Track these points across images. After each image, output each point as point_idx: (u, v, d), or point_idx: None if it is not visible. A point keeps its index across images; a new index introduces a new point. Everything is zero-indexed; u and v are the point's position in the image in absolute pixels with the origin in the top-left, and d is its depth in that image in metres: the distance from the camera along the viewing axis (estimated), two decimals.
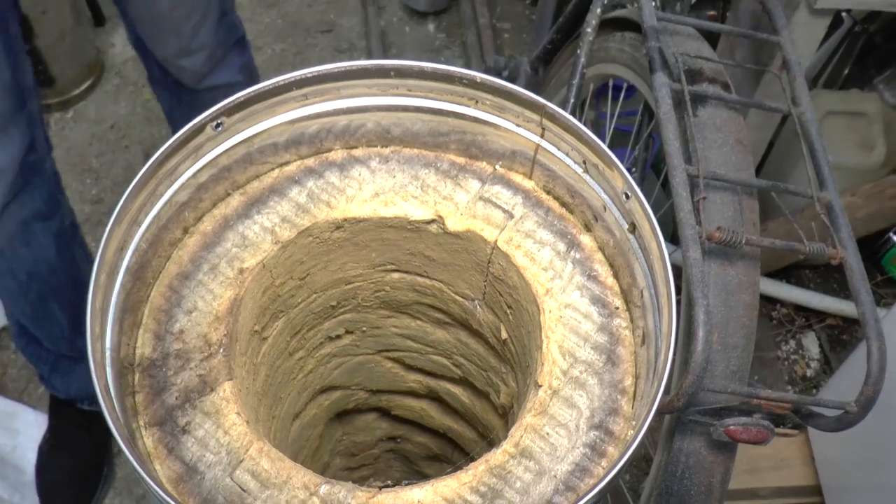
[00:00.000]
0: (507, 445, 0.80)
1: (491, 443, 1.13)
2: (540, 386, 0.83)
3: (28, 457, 2.07)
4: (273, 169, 0.97)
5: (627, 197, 0.85)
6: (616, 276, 0.91)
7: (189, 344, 0.85)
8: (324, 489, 0.77)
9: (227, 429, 0.80)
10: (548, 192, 0.96)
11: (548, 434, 0.81)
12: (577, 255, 0.92)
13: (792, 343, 2.32)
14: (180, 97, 1.89)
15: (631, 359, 0.86)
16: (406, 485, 0.78)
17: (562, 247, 0.93)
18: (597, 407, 0.83)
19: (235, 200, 0.95)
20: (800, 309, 2.35)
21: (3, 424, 2.11)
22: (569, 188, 0.94)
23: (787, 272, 2.39)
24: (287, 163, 0.98)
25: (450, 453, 1.34)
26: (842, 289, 2.36)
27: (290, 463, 0.78)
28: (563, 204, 0.96)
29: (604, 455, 0.81)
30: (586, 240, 0.93)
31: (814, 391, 2.22)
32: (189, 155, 0.89)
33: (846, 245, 1.05)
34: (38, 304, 1.77)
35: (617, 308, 0.89)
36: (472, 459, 0.81)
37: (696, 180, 1.06)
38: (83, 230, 2.46)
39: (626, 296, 0.90)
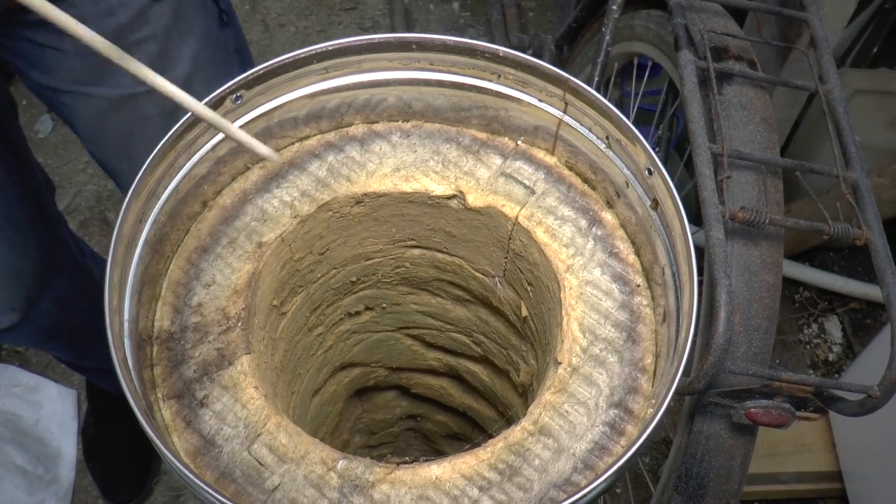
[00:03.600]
0: (525, 423, 0.79)
1: (509, 420, 1.13)
2: (559, 363, 0.82)
3: (51, 430, 2.08)
4: (293, 143, 0.96)
5: (650, 172, 0.83)
6: (638, 253, 0.90)
7: (207, 317, 0.85)
8: (341, 464, 0.76)
9: (244, 402, 0.80)
10: (570, 168, 0.95)
11: (567, 412, 0.80)
12: (599, 232, 0.91)
13: (814, 327, 2.29)
14: None
15: (651, 337, 0.85)
16: (425, 461, 0.77)
17: (583, 223, 0.92)
18: (616, 385, 0.82)
19: (255, 174, 0.94)
20: (823, 292, 2.32)
21: (26, 398, 2.13)
22: (591, 164, 0.92)
23: (811, 255, 2.36)
24: (307, 137, 0.97)
25: (469, 432, 1.33)
26: (867, 272, 2.32)
27: (308, 438, 0.78)
28: (586, 180, 0.94)
29: (623, 433, 0.80)
30: (608, 216, 0.92)
31: (836, 376, 2.19)
32: (209, 128, 0.88)
33: (872, 225, 1.03)
34: (79, 341, 1.73)
35: (638, 285, 0.88)
36: (492, 437, 0.80)
37: (720, 159, 1.05)
38: (105, 206, 2.47)
39: (647, 273, 0.88)
